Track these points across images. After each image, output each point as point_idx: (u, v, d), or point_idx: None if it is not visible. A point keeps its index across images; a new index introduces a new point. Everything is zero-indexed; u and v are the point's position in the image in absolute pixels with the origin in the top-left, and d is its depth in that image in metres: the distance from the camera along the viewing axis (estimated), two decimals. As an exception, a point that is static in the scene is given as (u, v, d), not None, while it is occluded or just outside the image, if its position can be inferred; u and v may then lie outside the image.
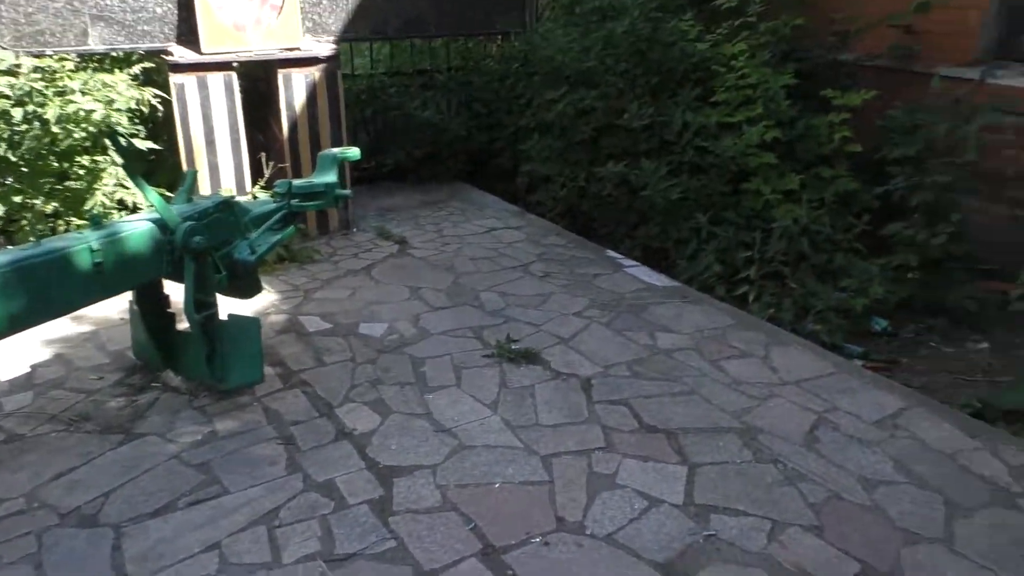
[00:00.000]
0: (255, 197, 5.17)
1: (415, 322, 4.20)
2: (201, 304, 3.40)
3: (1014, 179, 5.35)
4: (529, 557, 2.47)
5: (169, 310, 3.73)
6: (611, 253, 5.20)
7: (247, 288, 3.80)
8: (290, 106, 5.39)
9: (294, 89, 5.35)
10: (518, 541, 2.55)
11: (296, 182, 3.94)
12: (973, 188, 5.42)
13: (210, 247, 3.40)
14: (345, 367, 3.74)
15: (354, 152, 4.15)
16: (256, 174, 5.44)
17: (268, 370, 3.69)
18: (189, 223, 3.30)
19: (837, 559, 2.43)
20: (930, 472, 2.84)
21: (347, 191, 3.99)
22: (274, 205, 3.92)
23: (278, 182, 3.97)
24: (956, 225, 4.96)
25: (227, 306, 3.64)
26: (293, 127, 5.46)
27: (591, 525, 2.61)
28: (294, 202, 3.88)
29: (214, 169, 5.27)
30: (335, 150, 4.20)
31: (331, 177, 3.99)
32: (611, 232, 5.84)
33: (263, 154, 5.54)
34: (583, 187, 5.97)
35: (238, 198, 4.62)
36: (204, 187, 5.21)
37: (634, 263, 5.02)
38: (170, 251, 3.33)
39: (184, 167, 5.09)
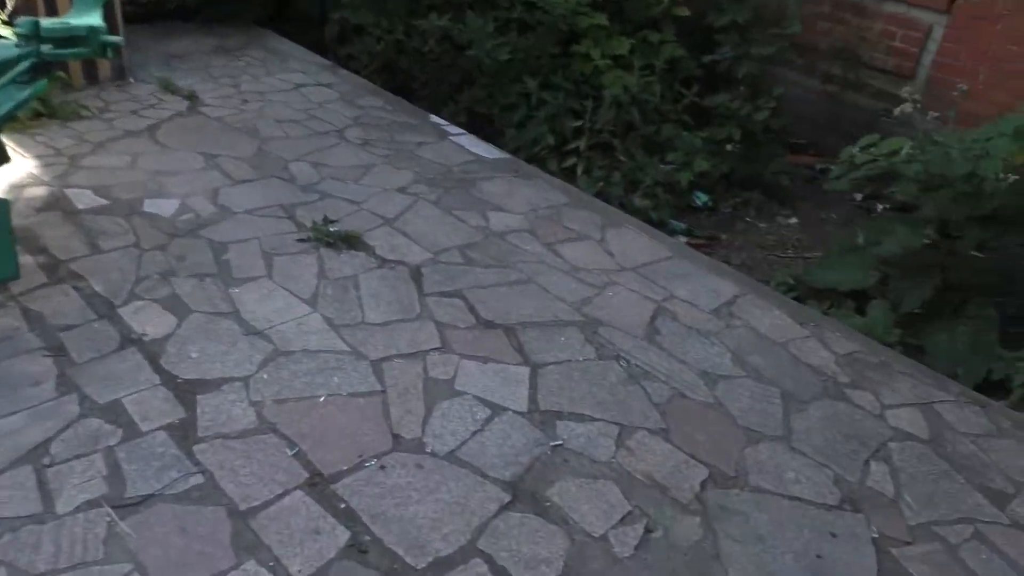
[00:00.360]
0: (-6, 36, 4.14)
1: (213, 198, 3.61)
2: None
3: (827, 53, 5.43)
4: (363, 485, 2.19)
5: None
6: (435, 119, 4.76)
7: (-12, 158, 3.03)
8: (34, -82, 4.29)
9: None
10: (350, 466, 2.25)
11: (46, 22, 3.10)
12: (793, 61, 5.46)
13: (-72, 105, 2.62)
14: (128, 255, 3.14)
15: (123, -13, 3.33)
16: (-6, 5, 4.35)
17: (26, 260, 3.02)
18: None
19: (686, 465, 2.36)
20: (766, 364, 2.84)
21: (118, 38, 3.21)
22: (17, 51, 3.08)
23: (20, 20, 3.11)
24: (777, 100, 4.98)
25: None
26: (40, -54, 4.38)
27: (431, 442, 2.36)
28: (45, 48, 3.07)
29: (-67, -5, 4.14)
30: (98, -18, 3.34)
31: (94, 18, 3.18)
32: (433, 93, 5.36)
33: (2, -21, 4.43)
34: (401, 41, 5.38)
35: (-32, 38, 3.66)
36: (-79, 19, 4.10)
37: (460, 131, 4.62)
38: None
39: None
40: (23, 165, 3.72)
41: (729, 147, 4.88)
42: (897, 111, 3.64)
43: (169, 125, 4.29)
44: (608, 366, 2.74)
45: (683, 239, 4.36)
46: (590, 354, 2.80)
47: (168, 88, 4.75)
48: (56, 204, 3.44)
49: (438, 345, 2.77)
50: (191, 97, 4.66)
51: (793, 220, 4.92)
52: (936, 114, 3.66)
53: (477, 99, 5.11)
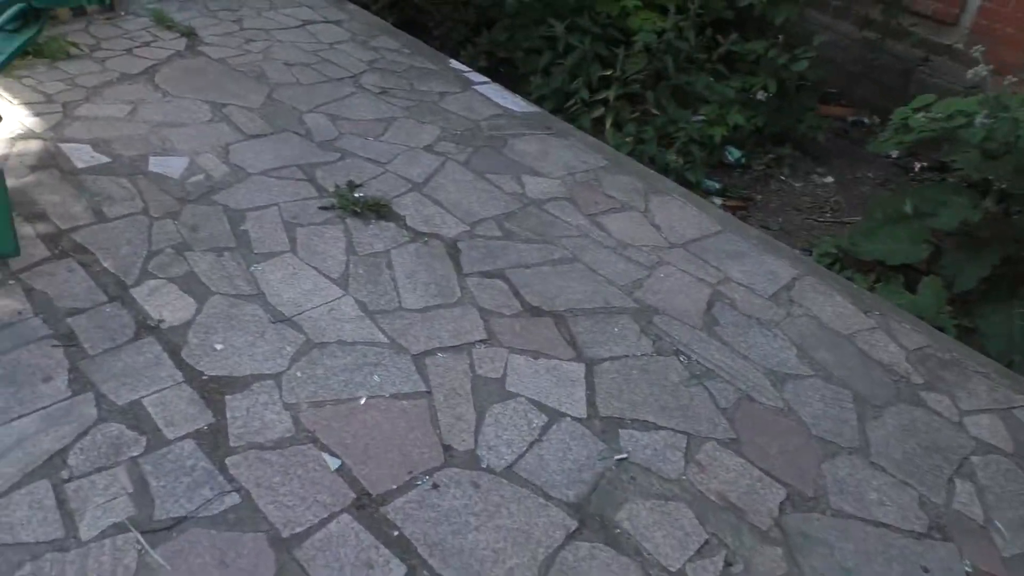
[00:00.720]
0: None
1: (224, 156, 3.31)
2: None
3: (862, -6, 5.08)
4: (416, 508, 2.00)
5: None
6: (455, 64, 4.41)
7: (-23, 114, 2.72)
8: None
9: None
10: (400, 485, 2.05)
11: (35, -40, 2.75)
12: (826, 4, 5.12)
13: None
14: (136, 224, 2.87)
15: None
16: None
17: (24, 229, 2.75)
18: None
19: (761, 484, 2.18)
20: (833, 360, 2.65)
21: (117, -20, 2.86)
22: (4, -7, 2.73)
23: (7, -44, 2.75)
24: (817, 49, 4.67)
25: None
26: None
27: (486, 455, 2.16)
28: (36, -9, 2.73)
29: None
30: (92, -89, 2.96)
31: (89, -46, 2.83)
32: (449, 32, 4.99)
33: None
34: (415, -27, 4.99)
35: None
36: None
37: (484, 79, 4.29)
38: None
39: None
40: (12, 113, 3.38)
41: (760, 96, 4.58)
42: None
43: (168, 68, 3.93)
44: (668, 363, 2.54)
45: (717, 200, 4.13)
46: (647, 348, 2.59)
47: (163, 23, 4.37)
48: (52, 161, 3.13)
49: (484, 336, 2.55)
50: (189, 34, 4.29)
51: (828, 179, 4.68)
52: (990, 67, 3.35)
53: (497, 42, 4.75)
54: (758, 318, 2.79)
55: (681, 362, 2.55)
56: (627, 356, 2.54)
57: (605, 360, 2.52)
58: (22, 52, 3.74)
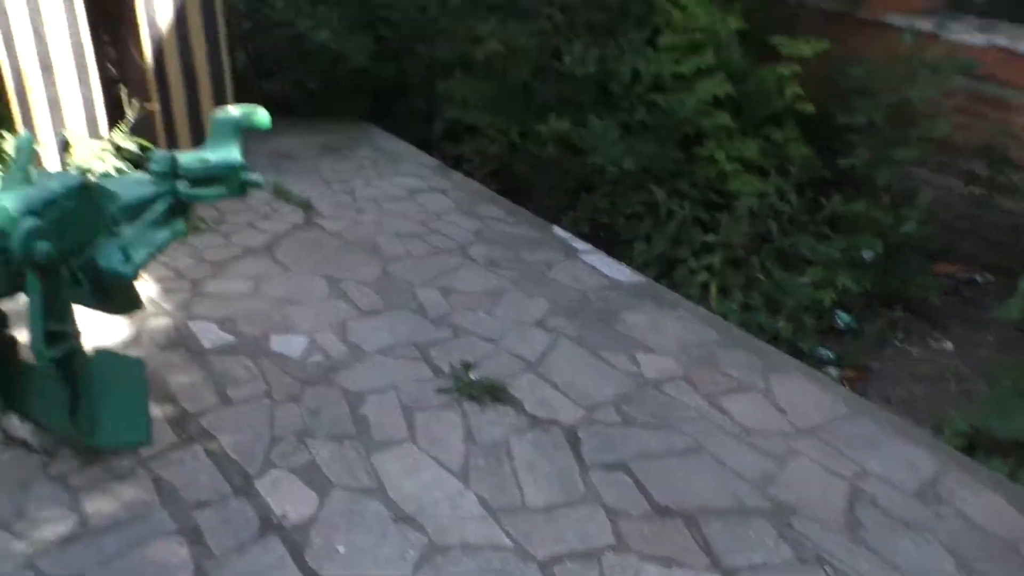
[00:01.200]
0: (117, 150, 4.05)
1: (342, 334, 3.37)
2: (55, 336, 2.45)
3: (967, 150, 5.01)
4: None
5: (7, 331, 2.74)
6: (558, 231, 4.49)
7: (120, 304, 2.85)
8: (152, 22, 4.23)
9: (156, -1, 4.18)
10: None
11: (184, 158, 2.93)
12: (941, 162, 5.05)
13: (63, 255, 2.42)
14: (259, 407, 2.90)
15: (262, 118, 3.13)
16: (114, 114, 4.29)
17: (155, 411, 2.81)
18: (30, 221, 2.30)
19: None
20: (996, 571, 2.41)
21: (258, 176, 3.02)
22: (152, 188, 2.90)
23: (157, 156, 2.93)
24: (923, 210, 4.59)
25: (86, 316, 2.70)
26: (158, 51, 4.31)
27: None
28: (182, 187, 2.89)
29: (55, 106, 4.11)
30: (235, 111, 3.14)
31: (233, 152, 2.99)
32: (550, 198, 5.11)
33: (122, 87, 4.38)
34: (515, 143, 5.17)
35: (95, 168, 3.54)
36: (43, 130, 4.04)
37: (587, 247, 4.33)
38: (3, 261, 2.33)
39: (13, 103, 3.88)
40: (144, 289, 3.54)
41: (867, 256, 4.47)
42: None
43: (288, 241, 4.10)
44: (812, 574, 2.35)
45: (833, 371, 3.97)
46: (787, 555, 2.41)
47: (282, 195, 4.60)
48: (181, 341, 3.24)
49: (612, 541, 2.42)
50: (306, 206, 4.50)
51: (947, 344, 4.48)
52: None
53: (598, 208, 4.83)
54: (904, 520, 2.59)
55: (827, 572, 2.36)
56: (766, 565, 2.38)
57: (744, 569, 2.35)
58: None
